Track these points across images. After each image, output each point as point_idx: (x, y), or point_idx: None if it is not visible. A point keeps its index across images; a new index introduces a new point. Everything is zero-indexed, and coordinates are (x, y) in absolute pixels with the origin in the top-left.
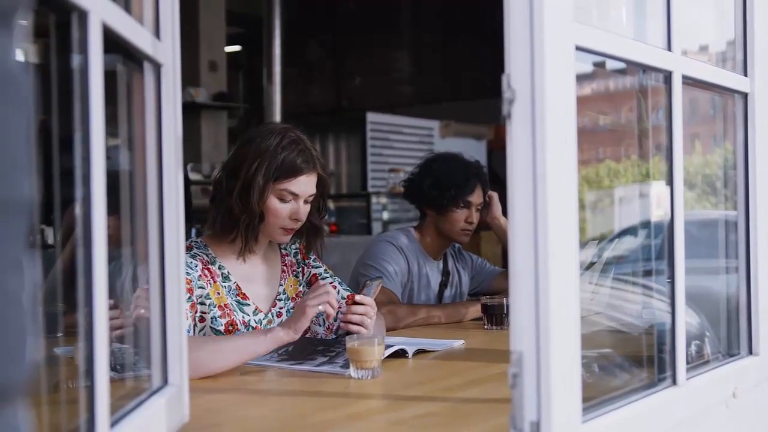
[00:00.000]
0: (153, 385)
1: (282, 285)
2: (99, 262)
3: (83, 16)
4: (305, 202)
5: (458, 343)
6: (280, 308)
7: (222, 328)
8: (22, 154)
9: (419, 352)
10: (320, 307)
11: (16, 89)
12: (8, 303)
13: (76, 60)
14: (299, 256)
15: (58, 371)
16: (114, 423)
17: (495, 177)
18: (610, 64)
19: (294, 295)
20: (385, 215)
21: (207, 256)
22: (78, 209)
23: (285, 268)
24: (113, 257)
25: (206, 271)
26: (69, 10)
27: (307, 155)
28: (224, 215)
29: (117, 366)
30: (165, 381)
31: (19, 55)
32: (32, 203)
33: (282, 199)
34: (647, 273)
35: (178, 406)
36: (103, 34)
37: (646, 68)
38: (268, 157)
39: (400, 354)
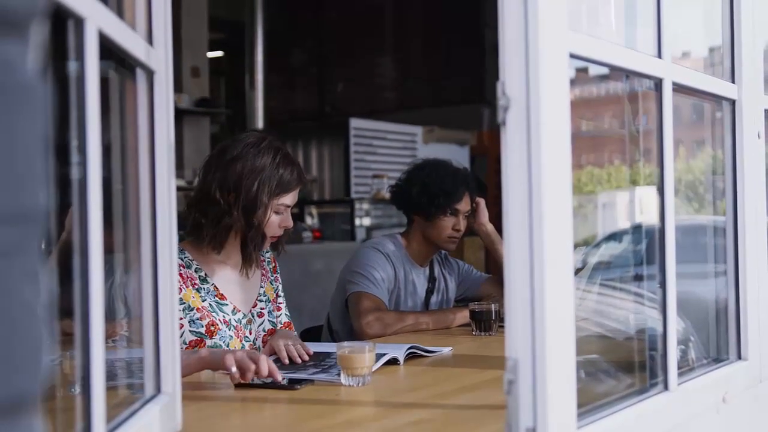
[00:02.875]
0: (146, 394)
1: (263, 287)
2: (95, 270)
3: (79, 23)
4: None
5: (447, 350)
6: (261, 308)
7: (203, 330)
8: (37, 163)
9: (411, 357)
10: (233, 369)
11: (33, 99)
12: (24, 313)
13: (71, 66)
14: (271, 266)
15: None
16: None
17: (478, 183)
18: (593, 70)
19: (272, 299)
20: (369, 221)
21: (182, 259)
22: (74, 216)
23: (264, 271)
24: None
25: (179, 276)
26: (65, 16)
27: (299, 169)
28: (224, 232)
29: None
30: (158, 389)
31: (35, 64)
32: (46, 213)
33: (277, 212)
34: (634, 278)
35: (171, 414)
36: (98, 41)
37: (637, 75)
38: (267, 175)
39: (391, 361)
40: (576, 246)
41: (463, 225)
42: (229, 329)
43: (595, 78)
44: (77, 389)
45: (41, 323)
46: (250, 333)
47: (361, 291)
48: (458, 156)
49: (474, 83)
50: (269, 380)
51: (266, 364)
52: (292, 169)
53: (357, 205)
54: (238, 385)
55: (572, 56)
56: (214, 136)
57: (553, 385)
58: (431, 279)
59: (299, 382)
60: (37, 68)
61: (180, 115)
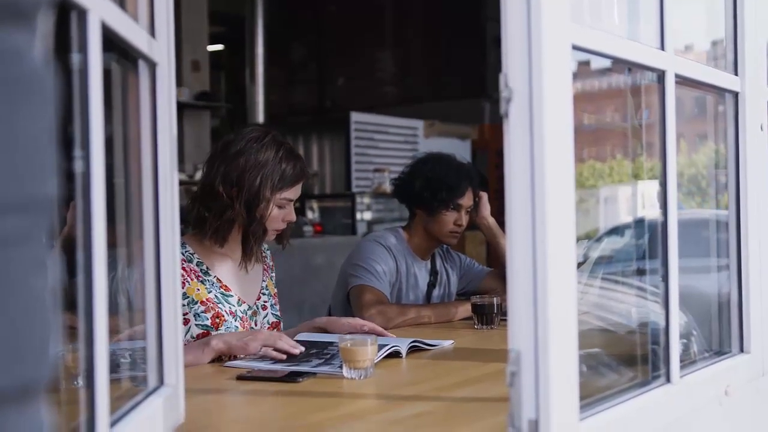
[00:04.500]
0: (149, 386)
1: (264, 281)
2: (99, 263)
3: (83, 14)
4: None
5: (448, 343)
6: (264, 302)
7: (209, 322)
8: (46, 152)
9: (413, 351)
10: (262, 351)
11: (41, 88)
12: (32, 302)
13: (74, 58)
14: (271, 263)
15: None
16: (113, 423)
17: (480, 177)
18: (596, 64)
19: (273, 294)
20: (370, 215)
21: (183, 254)
22: (78, 209)
23: (265, 266)
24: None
25: (182, 270)
26: (68, 8)
27: (301, 163)
28: (226, 225)
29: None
30: (161, 381)
31: (42, 53)
32: (55, 202)
33: (279, 207)
34: (636, 272)
35: (174, 406)
36: (101, 33)
37: (640, 67)
38: (270, 170)
39: (393, 354)
40: (578, 240)
41: (465, 220)
42: (235, 320)
43: (597, 71)
44: (80, 382)
45: (49, 312)
46: (256, 324)
47: (362, 284)
48: (460, 150)
49: (475, 77)
50: (273, 373)
51: (283, 344)
52: (294, 164)
53: (358, 199)
54: (241, 378)
55: (575, 48)
56: (214, 130)
57: (556, 376)
58: (433, 272)
59: (301, 374)
60: (44, 58)
61: (180, 108)
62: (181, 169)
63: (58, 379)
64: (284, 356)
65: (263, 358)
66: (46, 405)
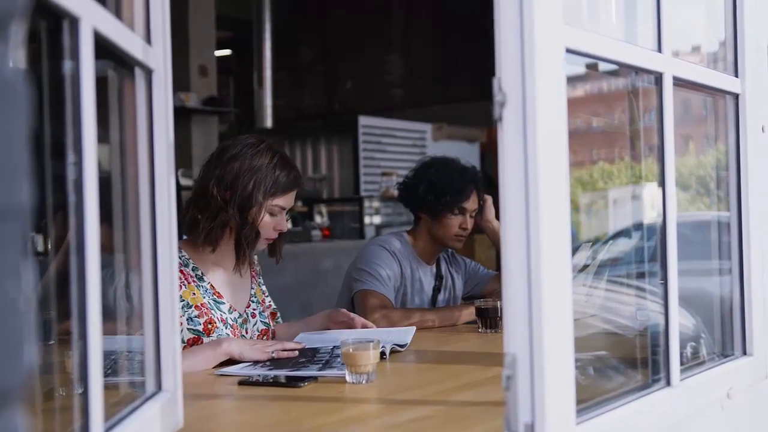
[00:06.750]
0: (147, 391)
1: (253, 288)
2: (92, 269)
3: (74, 22)
4: (287, 213)
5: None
6: (254, 309)
7: (201, 327)
8: (19, 160)
9: (393, 352)
10: (274, 355)
11: (14, 96)
12: (7, 308)
13: (67, 66)
14: (259, 269)
15: (49, 379)
16: (109, 429)
17: (488, 180)
18: (602, 66)
19: (261, 300)
20: (378, 219)
21: (180, 258)
22: (70, 216)
23: (254, 274)
24: (105, 265)
25: (179, 274)
26: (60, 16)
27: (296, 172)
28: (219, 228)
29: (108, 371)
30: (159, 387)
31: (16, 62)
32: (29, 209)
33: (271, 214)
34: (641, 275)
35: (172, 412)
36: (94, 40)
37: (636, 70)
38: (263, 175)
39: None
40: (585, 242)
41: (470, 223)
42: (226, 327)
43: (606, 74)
44: (77, 389)
45: (24, 318)
46: (246, 332)
47: (367, 289)
48: (468, 153)
49: (483, 79)
50: (271, 378)
51: (289, 344)
52: (288, 172)
53: (366, 203)
54: (243, 383)
55: (569, 51)
56: (222, 135)
57: (552, 380)
58: (438, 277)
59: (303, 379)
60: (19, 66)
61: (188, 114)
62: (188, 175)
63: (56, 386)
64: (296, 353)
65: (255, 365)
66: (21, 410)
